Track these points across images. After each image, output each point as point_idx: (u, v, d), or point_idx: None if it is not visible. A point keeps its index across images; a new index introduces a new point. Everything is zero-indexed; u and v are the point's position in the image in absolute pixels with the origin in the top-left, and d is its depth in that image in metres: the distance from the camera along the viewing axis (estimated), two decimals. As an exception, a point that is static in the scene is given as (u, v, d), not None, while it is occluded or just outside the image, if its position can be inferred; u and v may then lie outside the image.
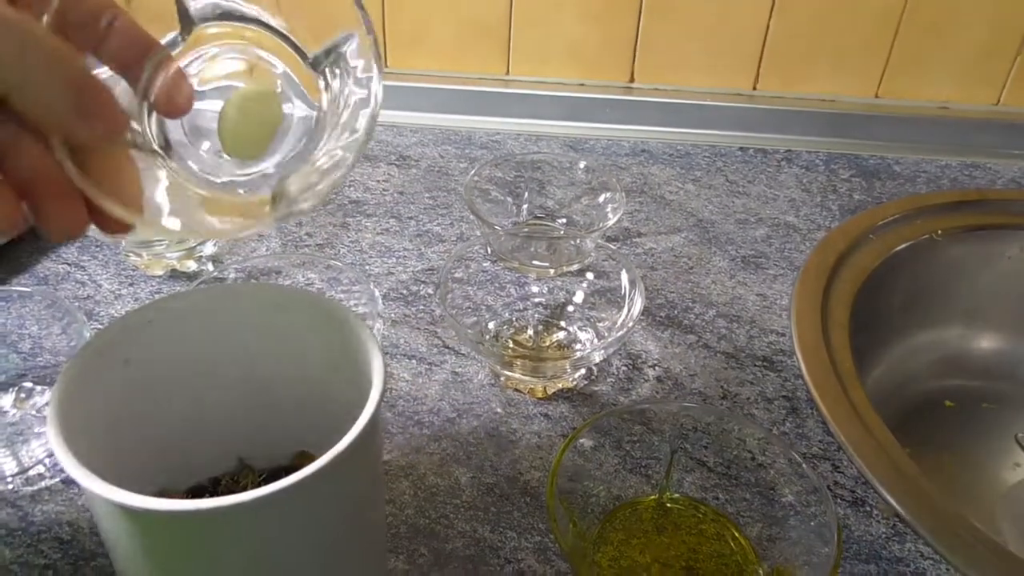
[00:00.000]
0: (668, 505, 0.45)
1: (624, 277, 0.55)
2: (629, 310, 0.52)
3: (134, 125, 0.31)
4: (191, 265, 0.62)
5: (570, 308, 0.57)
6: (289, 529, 0.28)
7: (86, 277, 0.61)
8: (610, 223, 0.62)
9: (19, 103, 0.25)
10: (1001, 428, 0.68)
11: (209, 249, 0.63)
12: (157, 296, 0.59)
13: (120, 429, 0.32)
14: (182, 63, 0.32)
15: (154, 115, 0.32)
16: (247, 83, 0.33)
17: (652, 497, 0.45)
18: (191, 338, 0.32)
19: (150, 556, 0.28)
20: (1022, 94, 0.82)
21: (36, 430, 0.45)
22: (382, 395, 0.29)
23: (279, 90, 0.33)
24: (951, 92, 0.83)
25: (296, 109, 0.34)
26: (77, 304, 0.58)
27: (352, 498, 0.30)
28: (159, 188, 0.31)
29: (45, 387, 0.50)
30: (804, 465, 0.42)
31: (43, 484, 0.45)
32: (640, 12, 0.81)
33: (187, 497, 0.29)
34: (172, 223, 0.31)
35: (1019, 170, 0.79)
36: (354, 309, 0.47)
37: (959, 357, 0.71)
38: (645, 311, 0.59)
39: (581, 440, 0.44)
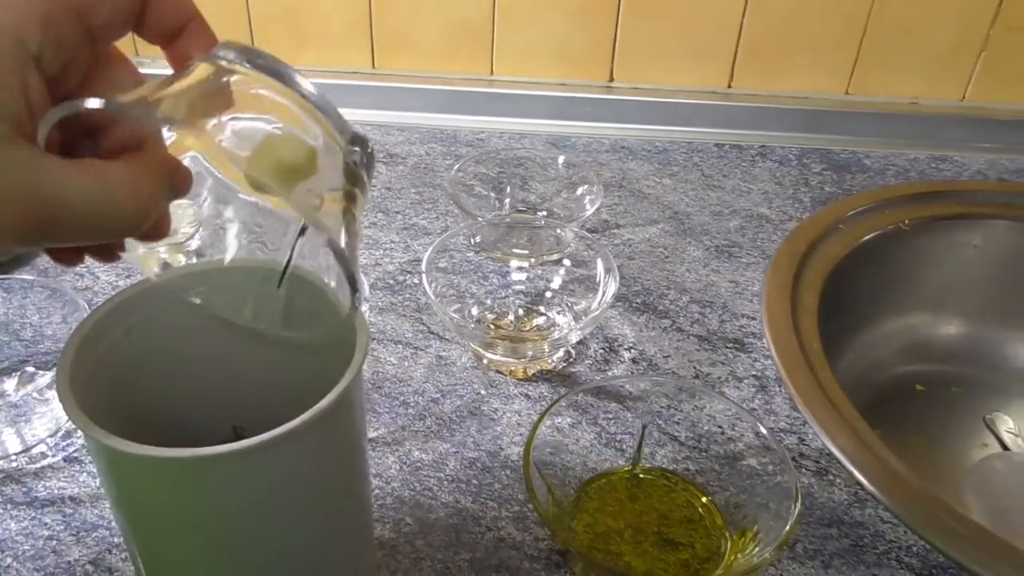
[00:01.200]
0: (641, 476, 0.47)
1: (600, 264, 0.57)
2: (603, 293, 0.55)
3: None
4: (180, 259, 0.64)
5: (548, 294, 0.60)
6: (280, 481, 0.30)
7: (84, 269, 0.63)
8: (587, 214, 0.65)
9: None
10: (970, 411, 0.71)
11: (195, 244, 0.65)
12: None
13: (121, 398, 0.34)
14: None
15: None
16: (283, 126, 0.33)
17: (626, 469, 0.48)
18: (190, 311, 0.35)
19: (150, 507, 0.30)
20: (987, 89, 0.85)
21: (38, 411, 0.48)
22: (365, 354, 0.31)
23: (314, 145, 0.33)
24: (919, 88, 0.86)
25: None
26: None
27: (338, 456, 0.33)
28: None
29: (47, 372, 0.52)
30: (769, 436, 0.44)
31: (45, 462, 0.47)
32: (619, 13, 0.84)
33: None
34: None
35: (985, 162, 0.82)
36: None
37: (927, 343, 0.74)
38: (622, 298, 0.62)
39: (559, 417, 0.47)
